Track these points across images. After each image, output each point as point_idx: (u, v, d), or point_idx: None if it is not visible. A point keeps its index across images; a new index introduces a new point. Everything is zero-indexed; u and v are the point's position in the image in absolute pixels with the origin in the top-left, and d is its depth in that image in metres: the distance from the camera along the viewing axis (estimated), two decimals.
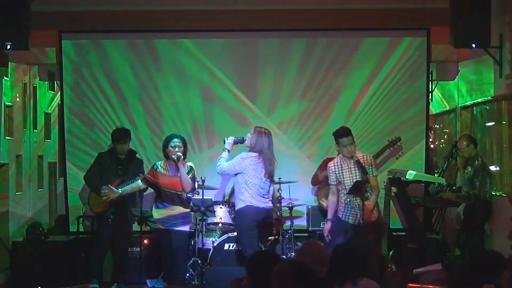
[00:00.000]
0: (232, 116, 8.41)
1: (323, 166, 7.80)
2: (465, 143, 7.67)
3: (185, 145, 7.26)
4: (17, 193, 8.43)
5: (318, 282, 3.96)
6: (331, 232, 6.99)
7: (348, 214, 6.91)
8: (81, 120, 8.40)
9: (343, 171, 6.90)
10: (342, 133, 6.90)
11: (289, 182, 7.79)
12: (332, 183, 6.97)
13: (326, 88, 8.41)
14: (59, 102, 8.71)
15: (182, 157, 7.08)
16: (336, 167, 6.94)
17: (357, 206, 6.80)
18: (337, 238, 6.81)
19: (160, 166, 7.27)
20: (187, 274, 7.38)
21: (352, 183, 6.82)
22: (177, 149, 7.12)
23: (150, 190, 7.49)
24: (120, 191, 7.26)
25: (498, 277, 4.02)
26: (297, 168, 8.34)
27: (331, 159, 7.38)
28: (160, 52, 8.41)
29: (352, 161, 6.86)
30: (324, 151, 8.24)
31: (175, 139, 7.20)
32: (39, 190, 9.11)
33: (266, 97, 8.41)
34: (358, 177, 6.82)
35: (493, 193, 7.53)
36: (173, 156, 7.08)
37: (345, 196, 6.91)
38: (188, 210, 7.28)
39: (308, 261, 4.35)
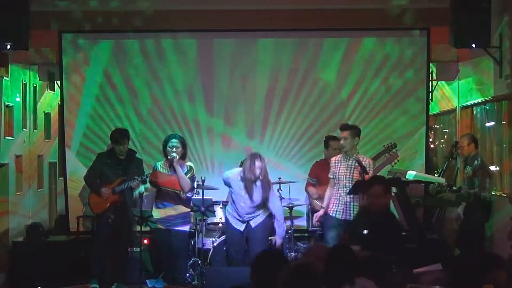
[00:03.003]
0: (232, 115, 8.45)
1: (313, 170, 7.81)
2: (466, 141, 7.65)
3: (184, 146, 7.29)
4: (17, 193, 8.43)
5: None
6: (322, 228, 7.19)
7: (335, 209, 7.02)
8: (81, 120, 8.41)
9: (340, 167, 7.04)
10: (340, 127, 7.20)
11: (289, 182, 7.80)
12: (330, 176, 7.14)
13: (324, 88, 8.41)
14: (59, 102, 8.71)
15: (177, 157, 7.13)
16: (336, 162, 7.12)
17: (346, 202, 6.93)
18: (329, 233, 6.95)
19: (160, 166, 7.31)
20: (187, 274, 7.38)
21: (346, 181, 6.96)
22: (174, 149, 7.16)
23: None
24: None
25: (495, 277, 4.04)
26: (296, 168, 8.34)
27: (320, 162, 7.66)
28: (159, 51, 8.41)
29: (350, 161, 6.98)
30: (322, 151, 8.23)
31: (173, 140, 7.24)
32: (39, 190, 9.11)
33: (262, 97, 8.42)
34: (350, 176, 6.96)
35: (493, 193, 7.53)
36: (169, 157, 7.13)
37: (338, 192, 7.04)
38: (188, 210, 7.30)
39: (314, 262, 4.36)
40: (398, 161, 7.74)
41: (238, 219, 7.19)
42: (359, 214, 6.38)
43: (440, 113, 9.57)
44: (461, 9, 7.23)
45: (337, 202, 7.02)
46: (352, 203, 6.94)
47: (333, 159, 7.18)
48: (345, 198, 6.97)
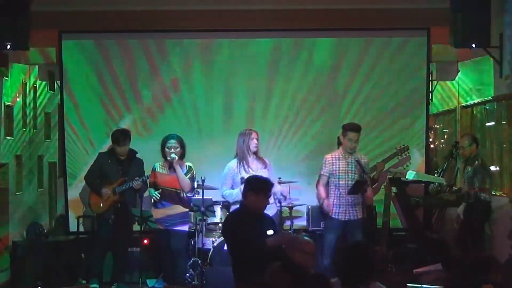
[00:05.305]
0: (231, 115, 8.44)
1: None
2: (467, 141, 7.62)
3: (182, 146, 7.29)
4: (17, 193, 8.42)
5: (311, 280, 3.95)
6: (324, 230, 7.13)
7: (337, 211, 6.98)
8: (81, 120, 8.41)
9: (340, 165, 7.00)
10: (352, 127, 7.05)
11: (289, 182, 7.79)
12: (324, 173, 7.04)
13: (324, 88, 8.42)
14: (59, 102, 8.72)
15: (176, 158, 7.14)
16: (333, 159, 7.05)
17: (348, 202, 6.92)
18: (329, 235, 6.91)
19: (159, 166, 7.33)
20: (187, 274, 7.38)
21: (348, 179, 6.94)
22: (172, 150, 7.18)
23: None
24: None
25: (491, 276, 4.05)
26: (296, 168, 8.34)
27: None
28: (160, 51, 8.42)
29: (350, 158, 6.98)
30: (321, 151, 8.22)
31: (172, 140, 7.25)
32: (39, 190, 9.10)
33: (262, 97, 8.42)
34: (352, 174, 6.96)
35: (493, 193, 7.53)
36: (168, 158, 7.13)
37: (339, 191, 6.97)
38: (187, 210, 7.30)
39: (296, 255, 4.37)
40: (410, 163, 7.90)
41: None
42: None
43: (440, 113, 9.56)
44: (461, 9, 7.23)
45: (337, 202, 6.98)
46: (353, 202, 6.93)
47: (329, 156, 7.09)
48: (346, 197, 6.94)
